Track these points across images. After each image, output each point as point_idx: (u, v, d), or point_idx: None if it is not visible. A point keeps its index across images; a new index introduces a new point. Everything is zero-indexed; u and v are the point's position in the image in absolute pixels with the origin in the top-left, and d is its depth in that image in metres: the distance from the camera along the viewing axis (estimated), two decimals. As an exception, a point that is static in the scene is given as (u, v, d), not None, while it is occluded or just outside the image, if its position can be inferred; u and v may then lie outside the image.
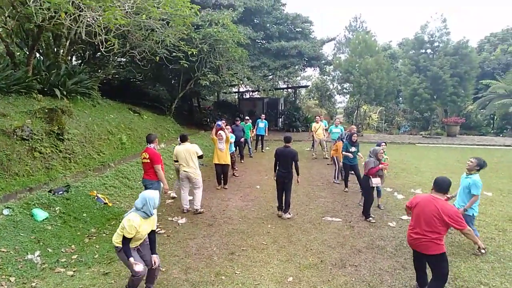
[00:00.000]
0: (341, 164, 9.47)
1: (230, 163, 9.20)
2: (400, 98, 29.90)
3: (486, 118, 27.90)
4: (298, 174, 6.98)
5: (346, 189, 9.01)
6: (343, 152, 8.75)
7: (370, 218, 6.79)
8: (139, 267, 3.90)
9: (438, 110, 24.94)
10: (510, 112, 23.59)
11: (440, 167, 11.91)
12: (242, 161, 12.30)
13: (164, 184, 6.21)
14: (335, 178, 9.91)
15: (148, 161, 6.07)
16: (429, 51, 21.97)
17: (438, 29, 21.21)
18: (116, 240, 3.96)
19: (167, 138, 13.09)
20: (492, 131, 26.53)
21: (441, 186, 4.03)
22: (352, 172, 8.87)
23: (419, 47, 21.90)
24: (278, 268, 4.94)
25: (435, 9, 70.20)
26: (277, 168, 7.03)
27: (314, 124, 13.50)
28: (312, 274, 4.80)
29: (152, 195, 3.95)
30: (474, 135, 23.84)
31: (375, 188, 6.96)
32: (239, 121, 12.32)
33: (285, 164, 6.87)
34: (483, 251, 5.33)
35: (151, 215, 3.97)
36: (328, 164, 11.97)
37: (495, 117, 27.49)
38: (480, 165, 5.40)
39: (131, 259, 3.84)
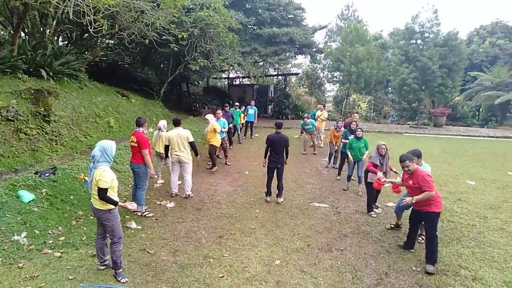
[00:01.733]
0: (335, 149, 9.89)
1: (215, 145, 9.16)
2: (389, 88, 30.18)
3: (472, 109, 28.45)
4: (286, 157, 7.11)
5: (339, 177, 8.97)
6: (342, 140, 8.77)
7: (372, 213, 6.59)
8: (133, 205, 4.27)
9: (426, 100, 25.30)
10: (495, 104, 24.11)
11: (425, 156, 11.91)
12: (231, 147, 12.29)
13: (150, 168, 6.18)
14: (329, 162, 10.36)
15: (136, 145, 6.02)
16: (419, 41, 22.13)
17: (429, 19, 21.37)
18: (99, 203, 4.01)
19: (155, 123, 12.94)
20: (477, 123, 27.09)
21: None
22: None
23: (410, 37, 22.04)
24: (265, 252, 5.02)
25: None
26: (269, 154, 7.06)
27: (317, 113, 13.39)
28: (299, 257, 4.90)
29: (109, 143, 4.10)
30: (460, 126, 24.30)
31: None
32: (228, 107, 12.26)
33: (278, 150, 6.93)
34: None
35: (111, 161, 4.14)
36: (314, 153, 12.06)
37: (481, 108, 28.05)
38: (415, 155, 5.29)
39: (120, 203, 4.10)
